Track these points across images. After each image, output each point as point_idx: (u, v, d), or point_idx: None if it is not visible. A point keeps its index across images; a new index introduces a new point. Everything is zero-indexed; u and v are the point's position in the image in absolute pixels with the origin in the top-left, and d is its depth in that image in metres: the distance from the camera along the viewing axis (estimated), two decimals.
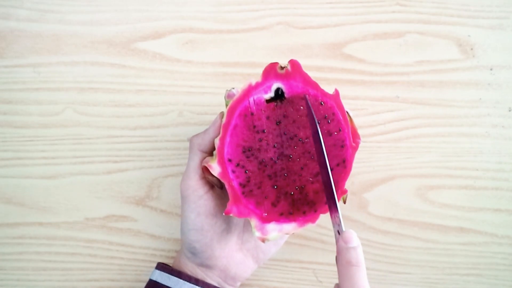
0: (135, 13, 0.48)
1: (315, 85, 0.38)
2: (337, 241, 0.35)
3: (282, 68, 0.38)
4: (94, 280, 0.49)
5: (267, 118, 0.38)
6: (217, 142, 0.37)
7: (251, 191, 0.38)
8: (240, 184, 0.38)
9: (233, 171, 0.38)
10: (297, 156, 0.39)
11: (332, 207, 0.36)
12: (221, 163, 0.37)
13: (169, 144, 0.48)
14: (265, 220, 0.38)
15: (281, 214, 0.39)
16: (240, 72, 0.48)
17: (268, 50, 0.48)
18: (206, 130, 0.39)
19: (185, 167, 0.42)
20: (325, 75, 0.48)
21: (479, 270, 0.48)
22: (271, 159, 0.38)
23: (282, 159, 0.38)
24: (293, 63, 0.38)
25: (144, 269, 0.49)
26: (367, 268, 0.48)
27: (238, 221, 0.43)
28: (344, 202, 0.40)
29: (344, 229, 0.35)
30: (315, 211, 0.39)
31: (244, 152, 0.38)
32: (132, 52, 0.48)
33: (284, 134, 0.38)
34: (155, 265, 0.46)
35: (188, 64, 0.48)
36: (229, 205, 0.37)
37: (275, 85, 0.38)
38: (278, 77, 0.38)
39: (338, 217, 0.35)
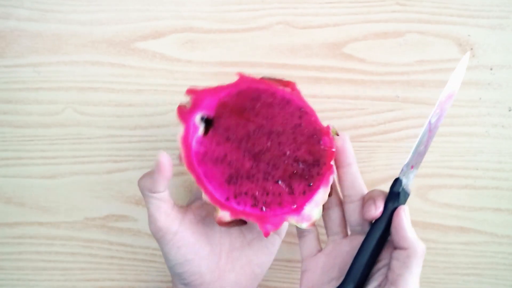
0: (135, 13, 0.48)
1: (219, 88, 0.38)
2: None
3: (185, 105, 0.38)
4: (94, 280, 0.49)
5: (219, 143, 0.38)
6: (205, 198, 0.37)
7: (265, 202, 0.38)
8: (253, 206, 0.38)
9: (238, 203, 0.37)
10: (269, 145, 0.38)
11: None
12: (224, 206, 0.37)
13: (169, 144, 0.48)
14: (298, 209, 0.37)
15: (304, 192, 0.38)
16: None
17: (268, 50, 0.48)
18: (150, 173, 0.37)
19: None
20: (325, 75, 0.48)
21: (479, 270, 0.48)
22: (252, 167, 0.38)
23: (260, 157, 0.38)
24: (190, 92, 0.38)
25: (144, 269, 0.49)
26: None
27: (222, 241, 0.41)
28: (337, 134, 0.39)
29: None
30: (321, 168, 0.38)
31: (229, 183, 0.38)
32: (132, 51, 0.48)
33: (246, 138, 0.38)
34: (155, 265, 0.46)
35: (188, 64, 0.48)
36: (262, 228, 0.37)
37: (197, 117, 0.38)
38: (190, 112, 0.38)
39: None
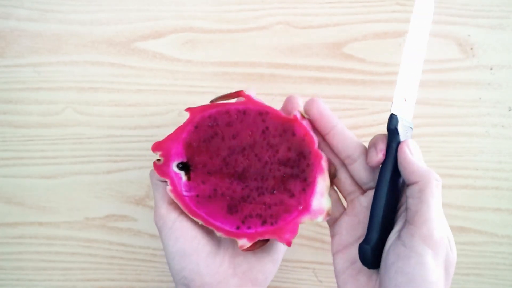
0: (135, 13, 0.48)
1: (178, 131, 0.38)
2: None
3: (159, 160, 0.38)
4: (94, 280, 0.49)
5: (204, 181, 0.38)
6: (219, 234, 0.38)
7: (271, 215, 0.38)
8: (263, 224, 0.37)
9: (248, 227, 0.37)
10: (248, 161, 0.38)
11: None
12: (239, 235, 0.37)
13: None
14: (305, 209, 0.37)
15: (304, 189, 0.37)
16: (240, 72, 0.48)
17: (268, 50, 0.48)
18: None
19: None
20: (325, 75, 0.48)
21: (479, 270, 0.48)
22: (243, 189, 0.38)
23: (246, 176, 0.38)
24: (156, 148, 0.38)
25: (144, 269, 0.49)
26: None
27: (227, 244, 0.40)
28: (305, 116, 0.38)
29: None
30: (308, 159, 0.38)
31: (232, 213, 0.38)
32: (132, 51, 0.48)
33: (224, 164, 0.38)
34: (155, 265, 0.46)
35: (188, 64, 0.48)
36: (282, 240, 0.37)
37: (174, 167, 0.38)
38: (165, 166, 0.38)
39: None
